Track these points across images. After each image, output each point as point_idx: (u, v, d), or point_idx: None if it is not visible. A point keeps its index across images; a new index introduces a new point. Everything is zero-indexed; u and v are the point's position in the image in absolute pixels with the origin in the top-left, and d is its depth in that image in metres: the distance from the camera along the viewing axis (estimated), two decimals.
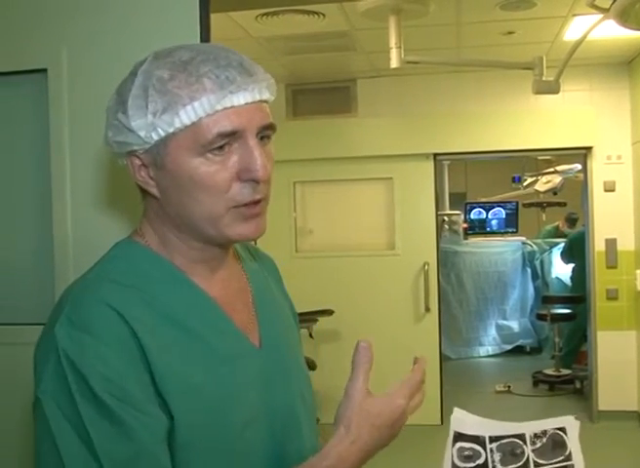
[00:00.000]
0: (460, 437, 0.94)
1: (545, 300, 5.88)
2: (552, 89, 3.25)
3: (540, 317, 5.92)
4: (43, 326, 0.86)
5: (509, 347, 6.56)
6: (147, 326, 0.83)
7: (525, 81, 3.47)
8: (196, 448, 0.83)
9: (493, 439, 0.93)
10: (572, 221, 6.73)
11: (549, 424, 0.93)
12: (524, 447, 0.92)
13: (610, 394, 4.50)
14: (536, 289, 6.70)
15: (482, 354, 6.50)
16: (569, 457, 0.91)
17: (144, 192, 0.91)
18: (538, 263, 6.71)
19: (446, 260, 6.12)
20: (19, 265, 1.65)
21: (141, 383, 0.80)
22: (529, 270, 6.73)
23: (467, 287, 6.53)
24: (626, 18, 2.39)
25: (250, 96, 0.84)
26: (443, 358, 4.83)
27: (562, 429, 0.93)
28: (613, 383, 4.49)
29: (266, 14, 3.41)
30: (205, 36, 1.52)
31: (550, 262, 6.60)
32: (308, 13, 3.42)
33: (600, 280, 4.56)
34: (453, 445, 0.93)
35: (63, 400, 0.78)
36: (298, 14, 3.43)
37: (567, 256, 5.89)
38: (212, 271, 0.93)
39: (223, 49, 0.87)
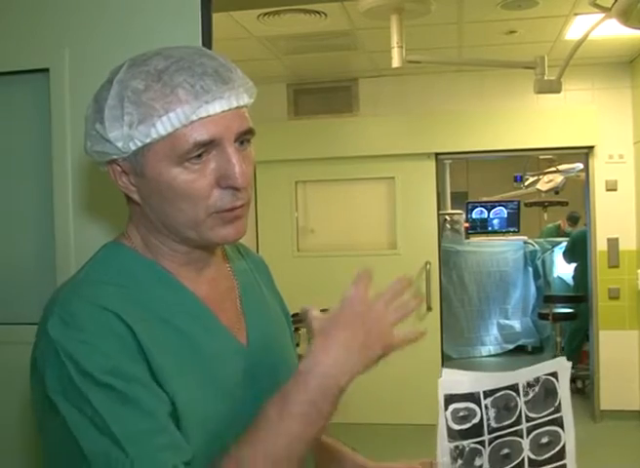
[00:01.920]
0: (452, 398, 0.92)
1: (547, 300, 5.88)
2: (554, 88, 3.24)
3: (542, 316, 5.91)
4: None
5: (511, 347, 6.55)
6: (140, 322, 0.83)
7: (527, 80, 3.46)
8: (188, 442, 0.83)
9: (487, 394, 0.91)
10: (573, 220, 6.73)
11: (541, 370, 0.92)
12: (517, 399, 0.91)
13: (612, 393, 4.50)
14: (537, 288, 6.70)
15: (484, 353, 6.50)
16: (558, 408, 0.90)
17: (128, 198, 0.91)
18: (539, 263, 6.71)
19: (447, 260, 6.12)
20: (21, 266, 1.66)
21: (141, 369, 0.81)
22: (530, 269, 6.72)
23: (469, 286, 6.53)
24: (628, 17, 2.38)
25: (226, 103, 0.84)
26: (445, 357, 4.84)
27: (554, 374, 0.91)
28: (615, 383, 4.49)
29: (268, 13, 3.41)
30: (207, 36, 1.52)
31: (552, 262, 6.60)
32: (310, 12, 3.42)
33: (602, 279, 4.56)
34: (446, 408, 0.92)
35: (73, 396, 0.78)
36: (299, 13, 3.43)
37: (569, 256, 5.89)
38: (198, 272, 0.94)
39: (200, 54, 0.87)
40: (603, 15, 2.62)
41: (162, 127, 0.82)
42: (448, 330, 5.33)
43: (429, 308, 4.65)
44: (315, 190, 4.93)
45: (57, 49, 1.57)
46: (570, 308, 5.69)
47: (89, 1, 1.58)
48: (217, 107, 0.83)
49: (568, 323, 5.72)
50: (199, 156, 0.83)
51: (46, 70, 1.59)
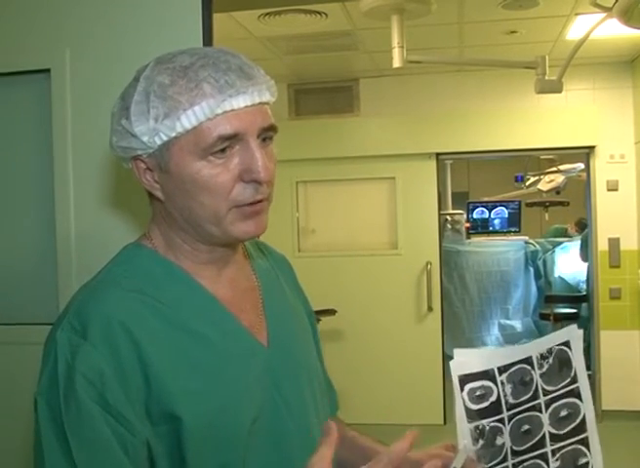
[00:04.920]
0: (467, 378, 0.90)
1: (548, 300, 5.87)
2: (555, 88, 3.24)
3: (543, 316, 5.91)
4: (47, 326, 0.88)
5: None
6: (151, 331, 0.84)
7: (528, 80, 3.46)
8: (205, 447, 0.84)
9: (502, 369, 0.89)
10: (581, 226, 6.71)
11: (553, 340, 0.90)
12: (532, 372, 0.89)
13: (613, 394, 4.50)
14: (538, 288, 6.70)
15: None
16: (574, 379, 0.88)
17: (151, 196, 0.92)
18: (540, 263, 6.70)
19: (448, 260, 6.11)
20: (22, 265, 1.66)
21: (129, 397, 0.81)
22: (532, 269, 6.71)
23: (470, 286, 6.53)
24: (629, 16, 2.38)
25: (249, 98, 0.85)
26: (445, 357, 4.83)
27: (566, 344, 0.89)
28: (616, 383, 4.49)
29: (269, 14, 3.41)
30: (207, 36, 1.52)
31: (553, 262, 6.59)
32: (311, 12, 3.42)
33: (603, 279, 4.55)
34: (462, 389, 0.90)
35: (54, 402, 0.80)
36: (300, 13, 3.43)
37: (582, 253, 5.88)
38: (218, 272, 0.94)
39: (224, 52, 0.88)
40: (604, 14, 2.61)
41: (187, 120, 0.83)
42: (449, 330, 5.33)
43: (430, 309, 4.65)
44: (316, 190, 4.93)
45: (57, 49, 1.57)
46: (571, 308, 5.69)
47: (89, 1, 1.58)
48: (240, 102, 0.84)
49: (569, 322, 5.72)
50: (223, 151, 0.84)
51: (47, 71, 1.59)
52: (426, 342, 4.62)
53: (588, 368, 4.85)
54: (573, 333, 0.90)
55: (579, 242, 5.91)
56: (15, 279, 1.65)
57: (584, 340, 4.77)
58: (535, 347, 0.90)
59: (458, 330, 6.34)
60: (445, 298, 4.98)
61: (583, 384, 0.88)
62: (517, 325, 6.63)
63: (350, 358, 4.66)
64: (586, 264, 5.89)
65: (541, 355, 0.90)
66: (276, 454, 0.90)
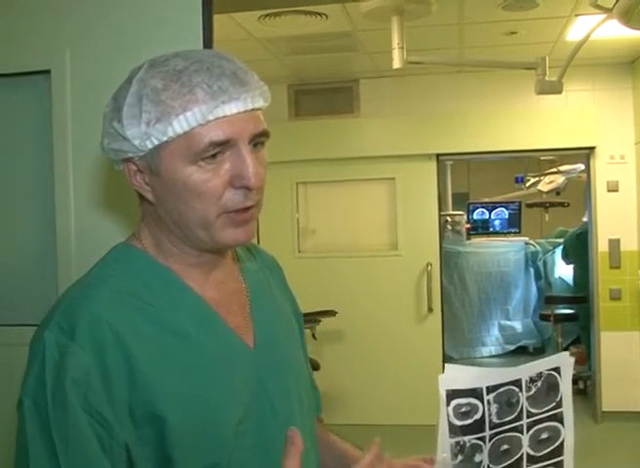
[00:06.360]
0: (454, 394, 0.91)
1: (548, 300, 5.87)
2: (555, 89, 3.24)
3: (543, 317, 5.91)
4: None
5: (512, 347, 6.55)
6: (138, 332, 0.84)
7: (528, 81, 3.46)
8: (192, 448, 0.84)
9: (490, 389, 0.90)
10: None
11: (544, 365, 0.91)
12: (519, 394, 0.90)
13: (613, 394, 4.50)
14: (539, 289, 6.69)
15: (485, 354, 6.49)
16: (559, 404, 0.90)
17: (141, 197, 0.92)
18: (540, 263, 6.70)
19: (449, 261, 6.11)
20: (22, 266, 1.66)
21: (112, 398, 0.81)
22: (532, 270, 6.71)
23: (470, 287, 6.52)
24: (629, 17, 2.38)
25: (242, 105, 0.85)
26: (446, 358, 4.83)
27: (556, 370, 0.91)
28: (616, 384, 4.48)
29: (269, 15, 3.41)
30: (207, 37, 1.52)
31: (553, 262, 6.59)
32: (311, 13, 3.42)
33: (603, 280, 4.55)
34: (448, 404, 0.91)
35: (41, 402, 0.80)
36: (300, 14, 3.43)
37: (564, 257, 5.90)
38: (206, 274, 0.94)
39: (219, 57, 0.88)
40: (604, 15, 2.61)
41: (179, 125, 0.83)
42: (449, 330, 5.33)
43: (430, 309, 4.65)
44: (316, 191, 4.93)
45: (58, 50, 1.57)
46: (571, 309, 5.69)
47: (90, 2, 1.58)
48: (233, 108, 0.84)
49: (569, 323, 5.72)
50: (214, 156, 0.84)
51: (47, 72, 1.59)
52: (426, 343, 4.62)
53: (589, 368, 4.86)
54: (564, 360, 0.92)
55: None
56: (15, 279, 1.65)
57: (585, 342, 4.76)
58: (525, 370, 0.91)
59: (458, 330, 6.34)
60: (445, 299, 4.98)
61: (568, 410, 0.90)
62: (517, 325, 6.63)
63: (350, 358, 4.66)
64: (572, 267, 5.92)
65: (531, 378, 0.91)
66: (262, 455, 0.90)
